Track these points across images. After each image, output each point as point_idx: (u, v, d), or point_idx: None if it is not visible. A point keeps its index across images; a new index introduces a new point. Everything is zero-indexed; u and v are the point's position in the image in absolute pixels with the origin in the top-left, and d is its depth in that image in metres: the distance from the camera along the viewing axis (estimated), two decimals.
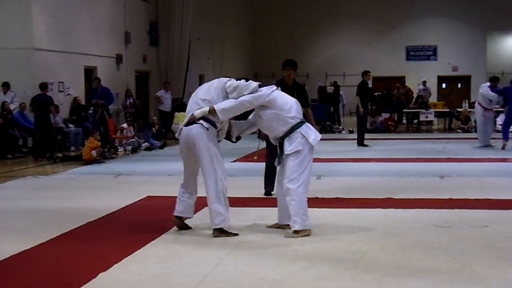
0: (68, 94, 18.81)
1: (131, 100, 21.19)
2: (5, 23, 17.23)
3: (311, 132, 6.87)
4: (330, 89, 29.46)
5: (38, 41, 17.51)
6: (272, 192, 8.97)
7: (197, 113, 6.78)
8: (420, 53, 37.65)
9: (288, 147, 6.76)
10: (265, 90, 6.87)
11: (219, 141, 7.02)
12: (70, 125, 17.87)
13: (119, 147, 16.73)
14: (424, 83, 29.21)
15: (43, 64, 17.70)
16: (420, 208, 8.13)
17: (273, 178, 8.69)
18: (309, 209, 7.21)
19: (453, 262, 5.66)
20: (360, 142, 17.01)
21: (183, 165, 7.10)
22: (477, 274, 5.31)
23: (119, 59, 21.90)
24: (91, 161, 13.94)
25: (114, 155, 15.51)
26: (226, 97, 6.88)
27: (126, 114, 20.58)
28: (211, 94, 6.91)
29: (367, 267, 5.53)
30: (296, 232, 6.69)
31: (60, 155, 14.99)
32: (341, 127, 24.60)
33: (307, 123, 6.99)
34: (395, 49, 37.31)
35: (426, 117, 24.68)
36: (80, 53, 19.51)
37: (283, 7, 37.97)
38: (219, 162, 6.80)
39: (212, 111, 6.73)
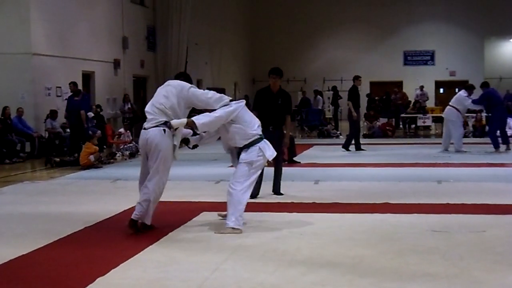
0: (66, 99, 18.76)
1: (129, 106, 21.18)
2: (3, 28, 17.25)
3: (268, 148, 7.39)
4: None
5: (36, 46, 17.52)
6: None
7: (175, 123, 7.08)
8: (418, 58, 37.72)
9: (244, 156, 7.30)
10: (236, 105, 7.27)
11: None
12: (68, 130, 17.82)
13: (116, 152, 16.70)
14: (421, 88, 29.22)
15: (42, 69, 17.71)
16: (418, 213, 8.12)
17: (259, 183, 9.11)
18: (307, 214, 7.41)
19: (451, 267, 5.66)
20: (358, 147, 16.98)
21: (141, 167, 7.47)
22: (476, 279, 5.31)
23: (116, 64, 21.91)
24: (88, 166, 13.92)
25: (111, 160, 15.49)
26: (184, 104, 7.21)
27: (124, 119, 20.57)
28: (170, 101, 7.16)
29: (365, 272, 5.53)
30: (232, 228, 7.10)
31: (58, 159, 14.97)
32: (338, 132, 24.58)
33: (265, 140, 7.45)
34: (393, 54, 37.37)
35: (424, 122, 24.67)
36: (78, 58, 19.52)
37: (281, 12, 38.01)
38: (165, 166, 7.19)
39: (190, 124, 7.11)
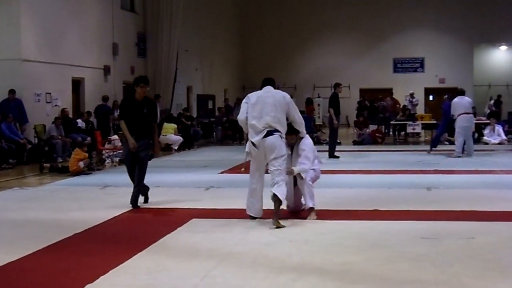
0: (56, 105, 18.74)
1: (119, 112, 21.11)
2: None
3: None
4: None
5: (26, 52, 17.48)
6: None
7: (296, 170, 8.14)
8: (408, 65, 37.88)
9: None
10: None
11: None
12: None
13: (106, 159, 16.64)
14: (411, 95, 29.26)
15: (31, 75, 17.67)
16: (407, 220, 8.13)
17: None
18: (296, 220, 7.42)
19: (441, 273, 5.67)
20: (332, 154, 16.91)
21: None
22: (465, 286, 5.32)
23: (107, 70, 21.89)
24: (78, 173, 13.87)
25: (101, 167, 15.43)
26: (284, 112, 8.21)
27: (114, 126, 20.50)
28: (278, 112, 8.20)
29: (355, 279, 5.53)
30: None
31: (48, 165, 14.93)
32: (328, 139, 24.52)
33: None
34: (383, 61, 37.51)
35: (413, 129, 24.72)
36: (68, 64, 19.48)
37: (272, 19, 38.11)
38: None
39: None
